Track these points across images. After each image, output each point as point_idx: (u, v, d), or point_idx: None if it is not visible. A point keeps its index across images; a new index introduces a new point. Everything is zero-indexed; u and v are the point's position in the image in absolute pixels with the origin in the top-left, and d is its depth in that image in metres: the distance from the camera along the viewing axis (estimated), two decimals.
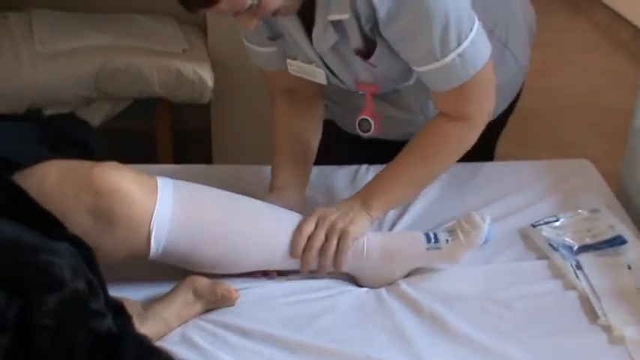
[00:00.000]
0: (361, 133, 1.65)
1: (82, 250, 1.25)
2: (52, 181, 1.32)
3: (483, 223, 1.50)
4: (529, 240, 1.64)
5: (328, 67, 1.61)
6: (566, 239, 1.61)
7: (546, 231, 1.63)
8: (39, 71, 2.63)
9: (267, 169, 1.85)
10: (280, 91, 1.74)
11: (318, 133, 1.75)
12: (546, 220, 1.67)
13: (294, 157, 1.68)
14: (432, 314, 1.41)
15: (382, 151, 1.74)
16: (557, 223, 1.66)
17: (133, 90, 2.74)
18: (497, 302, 1.45)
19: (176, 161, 2.86)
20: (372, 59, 1.52)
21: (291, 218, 1.51)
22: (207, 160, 3.09)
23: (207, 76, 2.78)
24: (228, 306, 1.43)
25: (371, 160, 1.86)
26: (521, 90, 1.92)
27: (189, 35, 2.99)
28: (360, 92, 1.64)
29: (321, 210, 1.51)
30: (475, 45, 1.46)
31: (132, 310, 1.31)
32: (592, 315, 1.42)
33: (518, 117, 1.87)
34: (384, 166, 1.61)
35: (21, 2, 3.02)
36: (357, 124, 1.65)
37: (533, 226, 1.66)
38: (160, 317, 1.37)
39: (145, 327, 1.32)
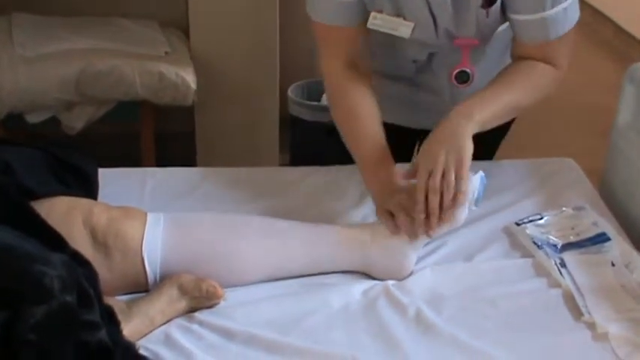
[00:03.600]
0: (457, 85, 1.72)
1: (82, 264, 1.26)
2: (59, 211, 1.41)
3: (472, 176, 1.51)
4: (513, 238, 1.64)
5: (434, 19, 1.62)
6: (551, 237, 1.62)
7: (530, 229, 1.64)
8: (19, 75, 2.61)
9: (256, 170, 1.86)
10: (336, 58, 1.68)
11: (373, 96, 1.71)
12: (530, 218, 1.68)
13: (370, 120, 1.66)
14: (417, 314, 1.41)
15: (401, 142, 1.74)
16: (541, 221, 1.67)
17: (116, 93, 2.73)
18: (482, 301, 1.46)
19: (159, 163, 2.85)
20: (492, 8, 1.59)
21: (293, 229, 1.53)
22: (191, 161, 3.08)
23: (190, 78, 2.77)
24: (213, 303, 1.42)
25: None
26: None
27: (171, 38, 2.99)
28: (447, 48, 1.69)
29: (425, 156, 1.47)
30: (575, 5, 1.60)
31: (116, 308, 1.31)
32: (576, 312, 1.43)
33: None
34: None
35: (1, 6, 3.00)
36: (453, 77, 1.71)
37: (518, 224, 1.66)
38: (145, 314, 1.37)
39: (129, 325, 1.32)
